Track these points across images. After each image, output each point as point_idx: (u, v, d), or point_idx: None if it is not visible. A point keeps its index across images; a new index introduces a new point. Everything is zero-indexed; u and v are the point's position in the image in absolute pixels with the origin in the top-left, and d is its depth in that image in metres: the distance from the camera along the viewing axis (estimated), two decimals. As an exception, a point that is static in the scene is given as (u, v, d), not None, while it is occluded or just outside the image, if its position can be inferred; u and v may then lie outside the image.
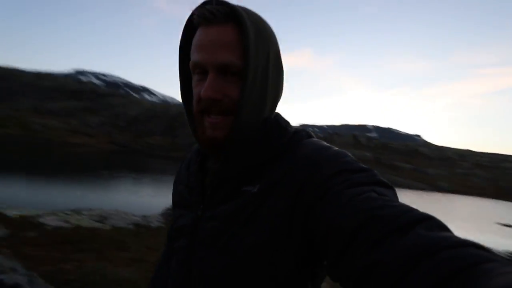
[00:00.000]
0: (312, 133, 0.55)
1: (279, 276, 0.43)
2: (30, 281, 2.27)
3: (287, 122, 0.54)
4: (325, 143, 0.51)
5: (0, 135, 26.48)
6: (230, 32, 0.44)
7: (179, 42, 0.52)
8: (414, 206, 0.37)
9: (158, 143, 37.04)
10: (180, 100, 0.56)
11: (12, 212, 5.04)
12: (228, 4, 0.44)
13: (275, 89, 0.52)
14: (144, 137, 38.36)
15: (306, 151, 0.47)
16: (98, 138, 35.24)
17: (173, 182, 0.67)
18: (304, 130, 0.54)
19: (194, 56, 0.46)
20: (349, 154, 0.47)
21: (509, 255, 7.94)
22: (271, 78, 0.49)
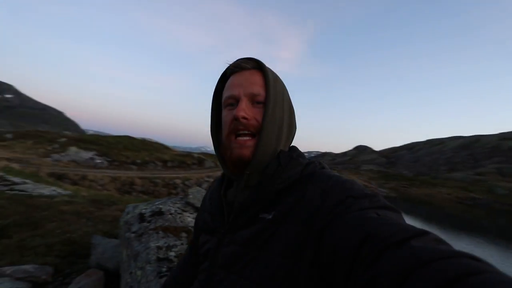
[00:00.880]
0: (325, 165, 0.59)
1: None
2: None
3: (300, 154, 0.60)
4: (336, 173, 0.54)
5: (467, 198, 30.01)
6: (257, 75, 0.58)
7: (214, 88, 0.65)
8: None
9: None
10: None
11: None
12: (255, 59, 0.59)
13: (289, 125, 0.61)
14: None
15: (316, 181, 0.51)
16: None
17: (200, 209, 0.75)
18: (318, 162, 0.59)
19: (228, 92, 0.59)
20: (357, 182, 0.50)
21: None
22: (285, 113, 0.60)
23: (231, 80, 0.60)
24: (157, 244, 1.63)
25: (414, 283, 0.27)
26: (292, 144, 0.65)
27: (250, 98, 0.57)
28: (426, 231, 0.35)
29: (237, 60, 0.60)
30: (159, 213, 2.13)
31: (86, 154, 17.08)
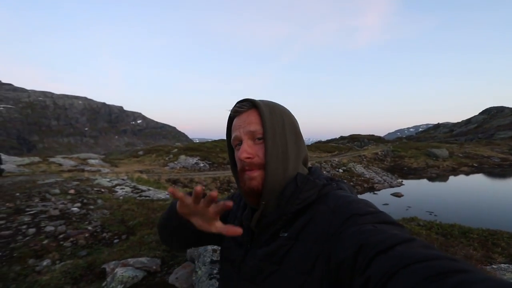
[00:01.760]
0: (343, 185, 0.63)
1: None
2: None
3: (318, 176, 0.63)
4: (349, 193, 0.59)
5: None
6: (253, 114, 0.62)
7: (226, 132, 0.71)
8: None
9: None
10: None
11: None
12: (250, 99, 0.64)
13: (295, 149, 0.64)
14: None
15: (327, 201, 0.55)
16: None
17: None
18: (335, 182, 0.63)
19: (232, 134, 0.65)
20: (365, 201, 0.53)
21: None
22: (289, 140, 0.63)
23: (233, 123, 0.66)
24: (213, 247, 1.74)
25: (397, 281, 0.32)
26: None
27: (250, 137, 0.62)
28: (413, 238, 0.39)
29: (235, 105, 0.67)
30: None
31: (192, 160, 20.27)
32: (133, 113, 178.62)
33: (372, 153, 29.10)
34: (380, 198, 14.89)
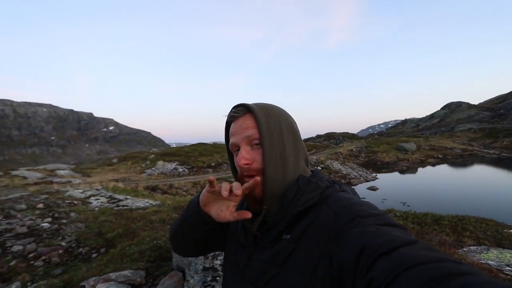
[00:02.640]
0: (345, 187, 0.63)
1: None
2: None
3: (321, 178, 0.63)
4: (351, 195, 0.59)
5: None
6: (249, 119, 0.62)
7: (224, 137, 0.72)
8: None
9: None
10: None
11: None
12: (244, 104, 0.64)
13: (294, 151, 0.63)
14: None
15: (330, 203, 0.55)
16: None
17: None
18: (338, 185, 0.63)
19: (231, 140, 0.65)
20: (368, 203, 0.53)
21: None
22: (287, 143, 0.62)
23: (231, 129, 0.66)
24: (204, 254, 1.70)
25: (400, 283, 0.32)
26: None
27: (248, 142, 0.62)
28: (416, 240, 0.39)
29: (231, 110, 0.66)
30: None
31: (170, 165, 19.70)
32: (104, 119, 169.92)
33: (348, 150, 30.23)
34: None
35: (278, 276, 0.54)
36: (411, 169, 23.76)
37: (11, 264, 3.72)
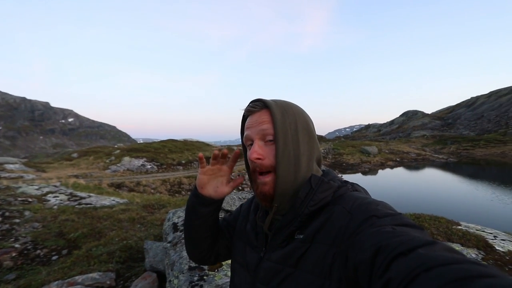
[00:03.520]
0: (358, 187, 0.63)
1: None
2: None
3: (333, 177, 0.63)
4: (364, 194, 0.58)
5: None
6: (265, 114, 0.62)
7: (240, 131, 0.72)
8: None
9: None
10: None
11: None
12: (262, 100, 0.63)
13: (308, 151, 0.63)
14: None
15: (343, 203, 0.54)
16: None
17: (237, 210, 0.83)
18: (350, 184, 0.62)
19: (245, 133, 0.65)
20: (383, 203, 0.52)
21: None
22: (301, 142, 0.61)
23: (246, 123, 0.66)
24: (187, 253, 1.67)
25: (419, 285, 0.30)
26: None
27: (261, 137, 0.61)
28: (435, 241, 0.37)
29: (248, 105, 0.66)
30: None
31: (138, 162, 18.74)
32: (62, 110, 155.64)
33: (317, 151, 31.25)
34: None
35: (292, 277, 0.53)
36: (373, 171, 25.40)
37: (-48, 269, 3.29)
